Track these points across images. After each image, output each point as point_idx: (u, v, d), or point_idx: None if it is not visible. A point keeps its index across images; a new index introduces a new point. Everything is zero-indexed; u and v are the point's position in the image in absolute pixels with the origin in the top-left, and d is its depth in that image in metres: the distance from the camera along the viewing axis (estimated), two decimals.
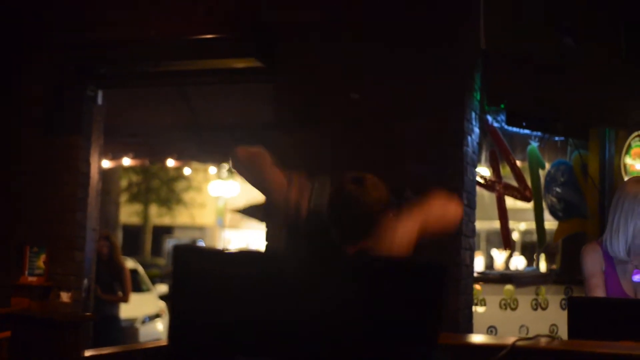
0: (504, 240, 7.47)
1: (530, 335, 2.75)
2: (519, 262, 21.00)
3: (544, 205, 7.74)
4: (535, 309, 7.24)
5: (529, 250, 21.01)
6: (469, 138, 6.11)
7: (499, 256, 21.42)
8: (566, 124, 7.65)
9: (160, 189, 23.38)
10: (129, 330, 10.83)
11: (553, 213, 7.82)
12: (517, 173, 7.44)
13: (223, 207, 27.61)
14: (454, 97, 6.03)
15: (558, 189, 7.77)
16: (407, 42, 6.19)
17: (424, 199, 3.13)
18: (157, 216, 25.46)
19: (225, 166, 18.10)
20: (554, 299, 7.20)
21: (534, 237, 8.24)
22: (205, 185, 24.19)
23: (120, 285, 8.95)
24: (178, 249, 1.98)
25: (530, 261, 18.39)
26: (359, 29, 6.31)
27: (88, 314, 6.53)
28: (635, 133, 8.00)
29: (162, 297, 13.65)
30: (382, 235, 2.94)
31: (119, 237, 19.60)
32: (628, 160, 8.04)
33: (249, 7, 6.67)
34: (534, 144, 7.62)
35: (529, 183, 7.52)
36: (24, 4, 7.27)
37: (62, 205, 6.86)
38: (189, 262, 1.95)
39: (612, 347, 2.39)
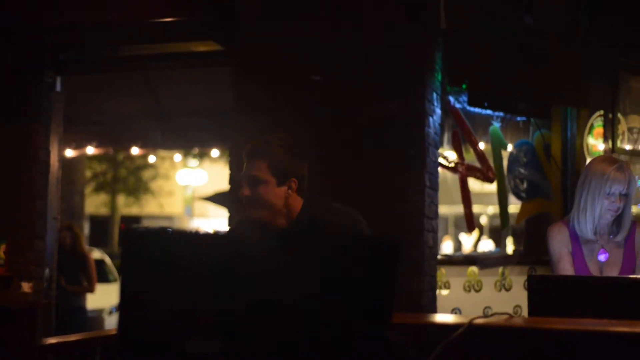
0: (468, 222, 7.47)
1: None
2: (487, 246, 21.12)
3: (507, 186, 7.75)
4: (500, 290, 7.25)
5: (496, 234, 21.13)
6: (431, 119, 6.10)
7: (467, 240, 21.54)
8: (528, 104, 7.65)
9: (127, 178, 23.23)
10: (95, 320, 10.77)
11: (516, 194, 7.83)
12: (479, 154, 7.44)
13: (191, 196, 27.52)
14: (414, 77, 6.01)
15: (521, 170, 7.78)
16: (367, 23, 6.16)
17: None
18: (125, 206, 25.33)
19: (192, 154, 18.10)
20: (518, 279, 7.22)
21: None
22: (173, 174, 24.09)
23: (85, 275, 8.91)
24: (126, 232, 1.93)
25: (498, 244, 18.50)
26: (318, 11, 6.27)
27: (45, 301, 6.49)
28: (598, 113, 8.03)
29: None
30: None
31: (85, 227, 19.48)
32: (590, 140, 8.07)
33: None
34: (496, 125, 7.62)
35: (492, 164, 7.52)
36: None
37: (22, 194, 6.79)
38: (137, 244, 1.91)
39: (571, 323, 2.38)
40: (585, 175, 3.74)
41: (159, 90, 9.27)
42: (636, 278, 3.49)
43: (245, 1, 6.42)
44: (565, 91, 7.65)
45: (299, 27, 6.26)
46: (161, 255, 1.85)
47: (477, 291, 7.15)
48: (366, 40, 6.12)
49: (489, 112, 7.51)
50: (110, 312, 11.99)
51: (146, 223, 29.20)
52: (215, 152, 11.53)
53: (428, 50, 6.15)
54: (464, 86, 7.03)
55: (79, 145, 10.52)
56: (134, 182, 23.44)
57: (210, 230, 1.91)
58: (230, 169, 6.48)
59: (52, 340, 3.96)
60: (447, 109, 7.03)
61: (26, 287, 6.59)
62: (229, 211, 6.41)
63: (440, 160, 6.81)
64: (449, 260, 7.47)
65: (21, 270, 6.70)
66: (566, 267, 3.71)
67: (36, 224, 6.78)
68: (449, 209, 22.37)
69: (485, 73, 7.02)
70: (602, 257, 3.72)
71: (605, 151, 7.81)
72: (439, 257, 6.81)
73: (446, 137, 7.42)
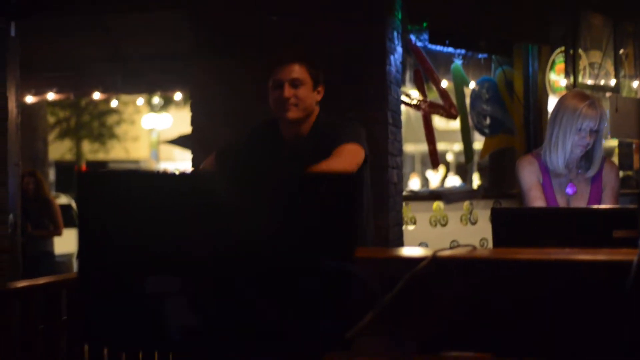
0: (432, 158, 7.50)
1: None
2: (454, 182, 21.24)
3: (470, 122, 7.77)
4: (466, 224, 7.31)
5: (463, 170, 21.24)
6: (392, 57, 6.07)
7: (434, 177, 21.65)
8: (489, 41, 7.65)
9: (91, 124, 23.03)
10: (64, 265, 10.78)
11: (479, 129, 7.87)
12: (441, 91, 7.45)
13: (157, 140, 27.37)
14: (374, 16, 5.97)
15: (484, 106, 7.81)
16: None
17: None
18: (91, 152, 25.13)
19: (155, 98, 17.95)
20: (483, 213, 7.28)
21: None
22: (138, 119, 23.91)
23: (51, 220, 8.89)
24: (81, 174, 1.91)
25: (464, 180, 18.61)
26: None
27: (9, 246, 6.46)
28: (559, 49, 8.05)
29: None
30: None
31: (50, 174, 19.32)
32: (552, 76, 8.10)
33: None
34: (458, 62, 7.62)
35: (454, 101, 7.54)
36: None
37: None
38: (93, 186, 1.89)
39: (534, 253, 2.39)
40: (557, 109, 3.75)
41: (117, 33, 9.16)
42: (594, 208, 3.52)
43: None
44: (525, 28, 7.65)
45: None
46: (118, 195, 1.84)
47: (443, 226, 7.20)
48: None
49: (450, 49, 7.51)
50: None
51: (113, 168, 29.08)
52: (178, 96, 11.45)
53: None
54: (424, 24, 7.01)
55: (38, 91, 10.40)
56: (98, 127, 23.24)
57: (174, 171, 1.89)
58: (192, 111, 6.43)
59: (16, 285, 3.94)
60: (408, 47, 7.01)
61: None
62: (193, 153, 6.38)
63: (403, 98, 6.81)
64: (415, 196, 7.51)
65: None
66: (537, 195, 3.74)
67: None
68: (415, 147, 22.45)
69: (446, 11, 6.99)
70: (569, 190, 3.75)
71: (567, 87, 7.84)
72: (404, 193, 6.83)
73: (408, 76, 7.41)
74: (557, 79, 8.10)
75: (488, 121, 7.84)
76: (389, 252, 2.83)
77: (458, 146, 23.13)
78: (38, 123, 13.21)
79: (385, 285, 1.97)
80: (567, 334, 2.10)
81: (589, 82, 8.11)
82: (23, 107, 7.22)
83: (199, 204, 1.77)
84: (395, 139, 6.13)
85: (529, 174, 3.78)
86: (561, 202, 3.75)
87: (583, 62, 8.03)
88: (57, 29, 8.55)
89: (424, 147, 8.14)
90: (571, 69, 7.81)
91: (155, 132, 26.75)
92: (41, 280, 4.09)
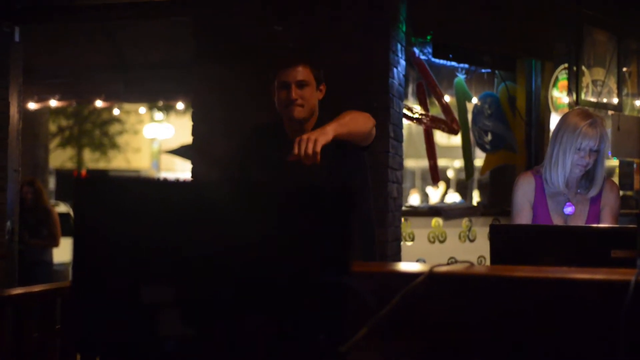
0: (432, 173, 7.48)
1: None
2: (454, 198, 21.20)
3: (472, 138, 7.76)
4: (464, 241, 7.29)
5: (463, 187, 21.21)
6: (395, 70, 6.07)
7: (434, 193, 21.61)
8: (493, 56, 7.64)
9: (93, 132, 23.02)
10: (62, 274, 10.75)
11: (480, 145, 7.85)
12: (444, 106, 7.44)
13: (158, 150, 27.38)
14: (378, 28, 5.96)
15: (485, 122, 7.79)
16: None
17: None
18: (92, 161, 25.12)
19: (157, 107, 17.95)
20: (482, 230, 7.26)
21: None
22: (139, 128, 23.92)
23: (48, 230, 8.87)
24: (79, 179, 1.89)
25: (464, 197, 18.59)
26: None
27: (5, 252, 6.45)
28: (562, 66, 8.05)
29: None
30: None
31: (50, 181, 19.30)
32: (555, 92, 8.10)
33: None
34: (461, 77, 7.61)
35: (456, 116, 7.53)
36: None
37: None
38: (90, 192, 1.87)
39: (531, 271, 2.38)
40: (559, 127, 3.72)
41: (120, 41, 9.18)
42: (593, 227, 3.51)
43: None
44: (528, 43, 7.64)
45: None
46: (114, 202, 1.82)
47: (441, 242, 7.18)
48: None
49: (453, 64, 7.50)
50: None
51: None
52: (180, 105, 11.46)
53: (392, 1, 6.10)
54: (428, 38, 7.00)
55: (41, 98, 10.41)
56: (100, 136, 23.24)
57: (171, 179, 1.87)
58: (193, 120, 6.42)
59: (10, 292, 3.91)
60: (411, 60, 7.01)
61: None
62: (193, 163, 6.37)
63: (405, 111, 6.80)
64: (414, 212, 7.49)
65: None
66: (523, 221, 3.72)
67: None
68: (416, 162, 22.42)
69: (450, 25, 7.00)
70: (568, 210, 3.73)
71: (569, 104, 7.84)
72: (403, 208, 6.81)
73: (411, 89, 7.41)
74: (560, 95, 8.09)
75: (489, 137, 7.82)
76: (385, 267, 2.82)
77: (459, 162, 23.11)
78: (40, 130, 13.22)
79: (381, 300, 1.95)
80: (564, 352, 2.08)
81: (592, 99, 8.11)
82: (25, 114, 7.22)
83: (195, 213, 1.76)
84: (396, 152, 6.11)
85: (522, 195, 3.76)
86: (558, 222, 3.73)
87: (586, 79, 8.04)
88: (60, 36, 8.57)
89: (424, 162, 8.13)
90: (574, 86, 7.81)
91: (157, 142, 26.75)
92: (36, 288, 4.07)
